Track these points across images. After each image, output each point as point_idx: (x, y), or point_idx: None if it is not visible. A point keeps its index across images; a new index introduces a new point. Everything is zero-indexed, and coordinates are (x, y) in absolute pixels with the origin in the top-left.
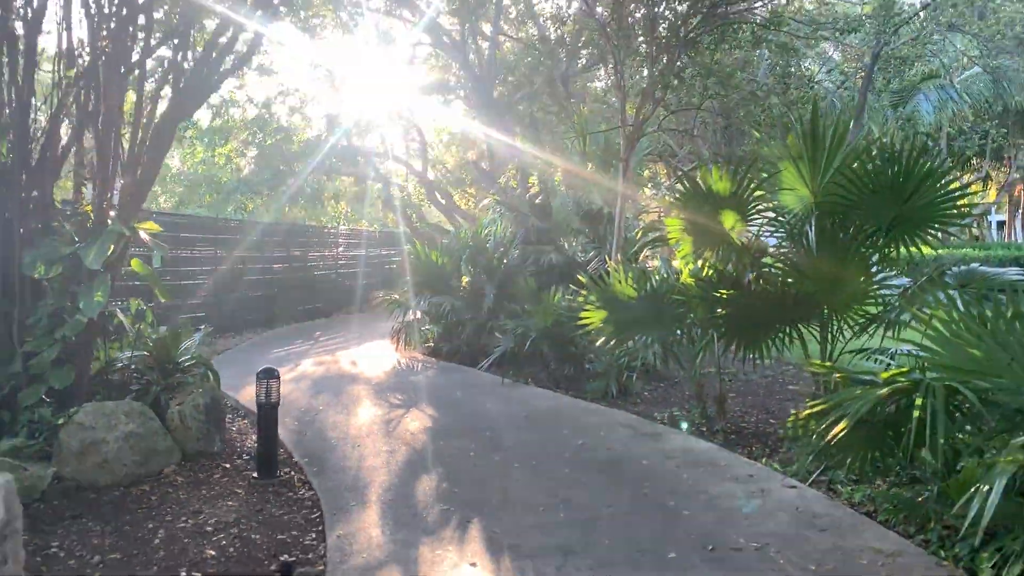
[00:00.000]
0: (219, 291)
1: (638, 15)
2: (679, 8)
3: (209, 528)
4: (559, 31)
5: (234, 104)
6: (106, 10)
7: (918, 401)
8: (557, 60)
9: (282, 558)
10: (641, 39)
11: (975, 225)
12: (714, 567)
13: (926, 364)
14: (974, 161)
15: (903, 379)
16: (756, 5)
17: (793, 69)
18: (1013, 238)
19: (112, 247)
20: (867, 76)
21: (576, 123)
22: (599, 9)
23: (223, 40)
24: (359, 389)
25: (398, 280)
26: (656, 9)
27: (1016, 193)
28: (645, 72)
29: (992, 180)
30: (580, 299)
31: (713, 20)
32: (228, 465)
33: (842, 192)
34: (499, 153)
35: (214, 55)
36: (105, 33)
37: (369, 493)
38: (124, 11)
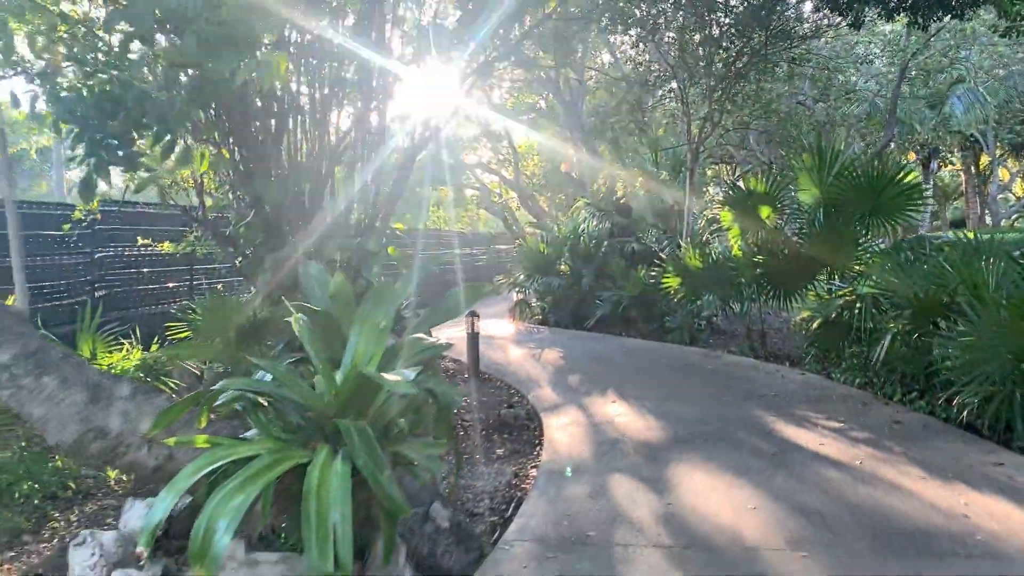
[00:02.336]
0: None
1: (700, 54)
2: (731, 51)
3: (468, 399)
4: (638, 69)
5: None
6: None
7: (857, 304)
8: (634, 92)
9: (508, 404)
10: (702, 74)
11: None
12: (750, 403)
13: (865, 286)
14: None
15: (851, 295)
16: (790, 45)
17: (833, 81)
18: None
19: (382, 239)
20: (896, 86)
21: (649, 142)
22: (670, 51)
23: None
24: (501, 342)
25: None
26: (712, 51)
27: None
28: (705, 100)
29: None
30: (658, 272)
31: (757, 58)
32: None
33: (838, 191)
34: (587, 164)
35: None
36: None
37: (539, 383)
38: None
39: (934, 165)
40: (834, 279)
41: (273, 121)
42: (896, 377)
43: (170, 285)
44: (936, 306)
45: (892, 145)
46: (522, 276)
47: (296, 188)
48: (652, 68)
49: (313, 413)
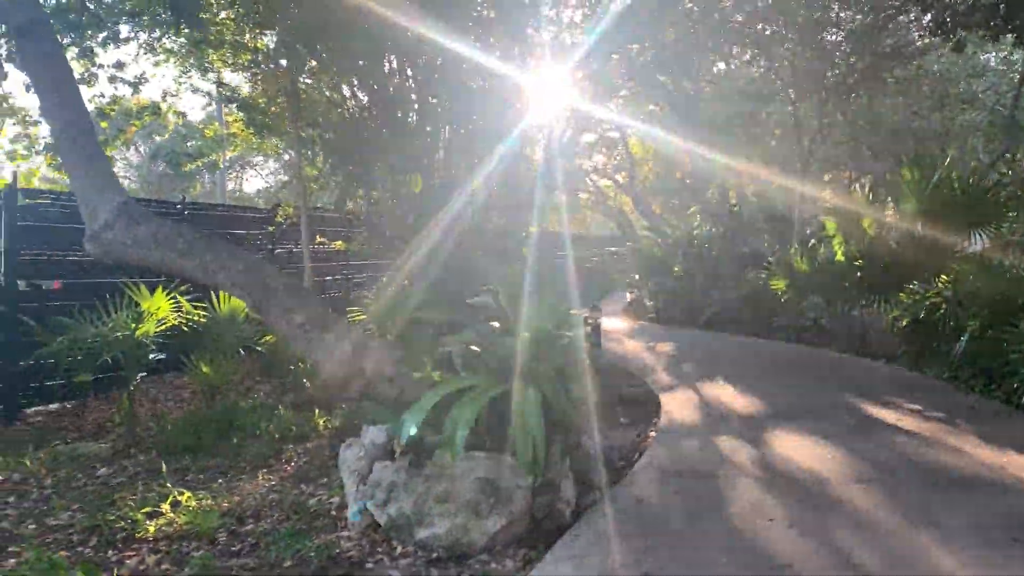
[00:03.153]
0: None
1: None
2: (841, 67)
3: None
4: (751, 84)
5: None
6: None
7: (943, 305)
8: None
9: (629, 385)
10: (812, 90)
11: None
12: (842, 389)
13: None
14: None
15: (937, 297)
16: (902, 62)
17: (947, 91)
18: None
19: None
20: (1016, 95)
21: (762, 151)
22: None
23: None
24: (617, 336)
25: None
26: (824, 68)
27: None
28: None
29: None
30: (767, 274)
31: (867, 75)
32: None
33: (936, 202)
34: (700, 171)
35: None
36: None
37: (654, 370)
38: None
39: None
40: (929, 283)
41: (428, 139)
42: (977, 370)
43: (328, 278)
44: (1013, 306)
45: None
46: (636, 276)
47: (446, 198)
48: (764, 83)
49: (511, 359)
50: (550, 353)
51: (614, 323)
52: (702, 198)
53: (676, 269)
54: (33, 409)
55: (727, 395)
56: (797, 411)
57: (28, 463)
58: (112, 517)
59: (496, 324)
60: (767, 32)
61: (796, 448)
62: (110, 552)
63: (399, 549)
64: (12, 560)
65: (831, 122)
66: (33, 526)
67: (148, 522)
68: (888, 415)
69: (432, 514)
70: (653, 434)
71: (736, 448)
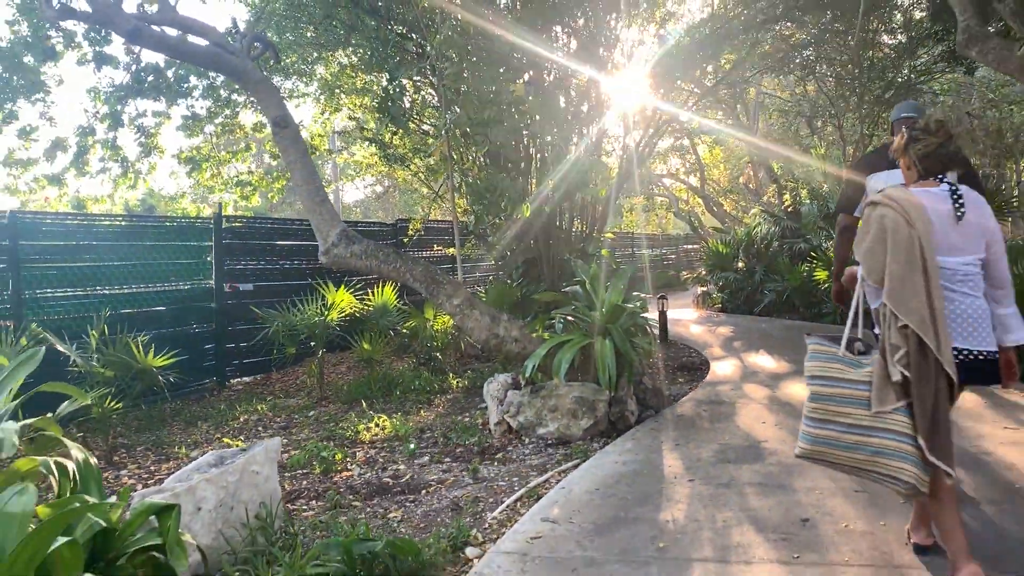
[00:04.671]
0: None
1: (854, 86)
2: (880, 83)
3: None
4: (803, 99)
5: None
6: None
7: None
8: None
9: (687, 356)
10: (855, 105)
11: None
12: None
13: None
14: None
15: None
16: (938, 73)
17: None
18: None
19: (598, 245)
20: None
21: (816, 157)
22: (827, 83)
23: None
24: (685, 322)
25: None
26: (864, 83)
27: None
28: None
29: None
30: (810, 267)
31: (903, 88)
32: None
33: None
34: (762, 176)
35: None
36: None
37: (711, 345)
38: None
39: None
40: None
41: (532, 178)
42: None
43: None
44: None
45: None
46: (704, 271)
47: (539, 209)
48: (812, 98)
49: (594, 323)
50: (619, 319)
51: (683, 313)
52: (763, 200)
53: (740, 264)
54: (235, 380)
55: (763, 361)
56: None
57: (260, 408)
58: (339, 431)
59: (584, 304)
60: (813, 57)
61: (799, 389)
62: (345, 448)
63: (526, 440)
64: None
65: (871, 132)
66: (285, 441)
67: (365, 432)
68: None
69: (546, 419)
70: (699, 385)
71: (756, 390)
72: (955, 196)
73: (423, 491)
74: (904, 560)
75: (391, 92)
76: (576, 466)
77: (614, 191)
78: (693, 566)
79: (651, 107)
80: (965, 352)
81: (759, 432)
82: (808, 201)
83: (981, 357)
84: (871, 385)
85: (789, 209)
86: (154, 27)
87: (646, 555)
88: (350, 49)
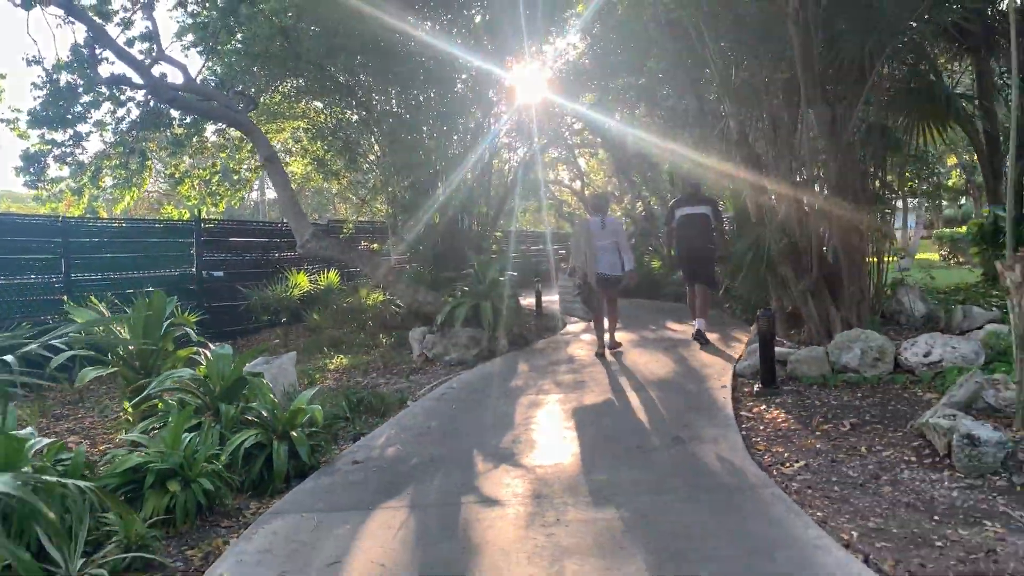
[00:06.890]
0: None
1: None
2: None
3: (534, 323)
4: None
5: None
6: None
7: None
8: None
9: (550, 322)
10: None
11: None
12: (661, 313)
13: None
14: None
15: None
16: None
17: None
18: None
19: (490, 241)
20: None
21: (664, 173)
22: None
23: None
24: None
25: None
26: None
27: None
28: None
29: None
30: (649, 256)
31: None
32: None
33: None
34: (624, 185)
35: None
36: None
37: (570, 317)
38: None
39: None
40: None
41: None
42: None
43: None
44: None
45: None
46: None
47: (444, 216)
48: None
49: (480, 291)
50: (495, 290)
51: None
52: (622, 205)
53: None
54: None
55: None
56: (637, 324)
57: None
58: (310, 366)
59: (475, 279)
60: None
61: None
62: (319, 373)
63: (438, 365)
64: None
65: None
66: None
67: (331, 364)
68: (674, 326)
69: (450, 350)
70: (551, 336)
71: (584, 337)
72: (602, 220)
73: (378, 387)
74: (617, 384)
75: (349, 137)
76: (467, 371)
77: (496, 203)
78: (521, 398)
79: (537, 127)
80: (604, 274)
81: (575, 354)
82: (656, 207)
83: (611, 275)
84: (578, 288)
85: (642, 213)
86: (182, 93)
87: (497, 396)
88: (289, 82)
